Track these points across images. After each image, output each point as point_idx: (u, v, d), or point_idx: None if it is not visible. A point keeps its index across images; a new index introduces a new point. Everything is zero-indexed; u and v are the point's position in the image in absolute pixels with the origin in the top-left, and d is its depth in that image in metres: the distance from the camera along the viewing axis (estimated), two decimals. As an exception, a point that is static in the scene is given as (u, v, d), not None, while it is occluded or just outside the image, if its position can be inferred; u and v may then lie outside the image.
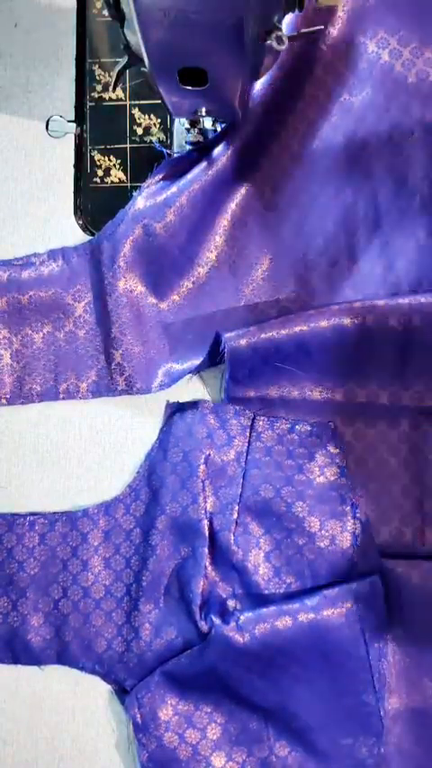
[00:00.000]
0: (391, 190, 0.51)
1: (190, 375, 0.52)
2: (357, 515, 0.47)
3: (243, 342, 0.47)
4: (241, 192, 0.52)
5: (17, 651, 0.50)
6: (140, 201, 0.51)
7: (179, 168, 0.52)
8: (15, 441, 0.53)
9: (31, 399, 0.53)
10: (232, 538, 0.48)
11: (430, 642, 0.47)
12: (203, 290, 0.53)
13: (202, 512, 0.48)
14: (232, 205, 0.52)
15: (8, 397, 0.53)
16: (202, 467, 0.49)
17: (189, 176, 0.51)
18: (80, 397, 0.52)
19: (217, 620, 0.46)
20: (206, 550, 0.48)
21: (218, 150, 0.51)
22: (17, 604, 0.50)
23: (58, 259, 0.53)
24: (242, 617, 0.46)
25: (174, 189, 0.51)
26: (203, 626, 0.46)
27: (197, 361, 0.50)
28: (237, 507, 0.48)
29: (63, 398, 0.53)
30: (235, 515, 0.48)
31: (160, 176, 0.52)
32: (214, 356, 0.50)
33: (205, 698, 0.47)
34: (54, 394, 0.53)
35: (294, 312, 0.51)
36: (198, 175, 0.50)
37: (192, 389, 0.53)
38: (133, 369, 0.51)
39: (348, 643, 0.45)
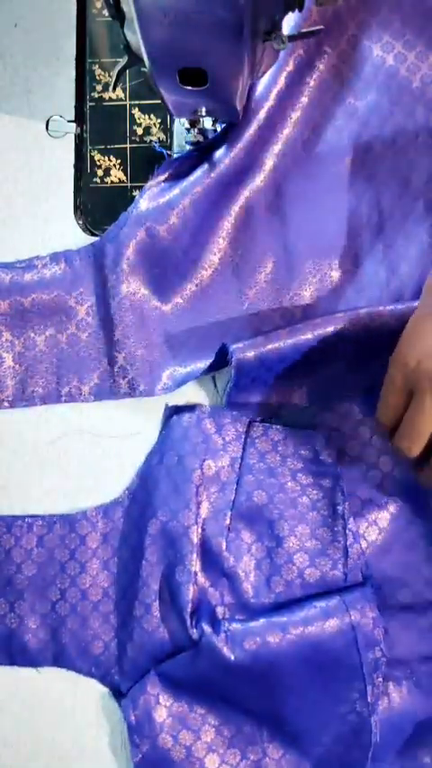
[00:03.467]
0: (395, 193, 0.51)
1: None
2: (349, 526, 0.47)
3: (250, 354, 0.46)
4: (244, 194, 0.52)
5: (14, 652, 0.50)
6: (143, 204, 0.51)
7: (181, 169, 0.52)
8: (15, 441, 0.53)
9: (34, 402, 0.53)
10: (224, 544, 0.48)
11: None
12: (207, 293, 0.52)
13: (194, 517, 0.48)
14: (235, 208, 0.52)
15: (10, 399, 0.53)
16: (198, 472, 0.48)
17: (191, 178, 0.51)
18: (82, 400, 0.52)
19: (207, 629, 0.46)
20: (195, 557, 0.47)
21: (220, 152, 0.51)
22: (14, 606, 0.50)
23: (60, 262, 0.53)
24: (231, 626, 0.45)
25: (176, 191, 0.51)
26: (194, 633, 0.46)
27: (201, 365, 0.50)
28: (230, 513, 0.48)
29: (65, 401, 0.52)
30: (227, 521, 0.48)
31: (162, 178, 0.52)
32: (220, 364, 0.50)
33: (199, 700, 0.47)
34: (56, 397, 0.52)
35: (297, 315, 0.51)
36: (201, 178, 0.50)
37: (192, 391, 0.53)
38: (136, 371, 0.51)
39: (341, 652, 0.44)
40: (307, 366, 0.48)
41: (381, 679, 0.45)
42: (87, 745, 0.50)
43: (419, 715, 0.46)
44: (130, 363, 0.51)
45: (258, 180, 0.52)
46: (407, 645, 0.47)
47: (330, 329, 0.46)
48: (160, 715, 0.47)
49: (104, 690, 0.50)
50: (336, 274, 0.51)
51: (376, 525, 0.48)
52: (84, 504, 0.52)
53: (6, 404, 0.53)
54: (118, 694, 0.49)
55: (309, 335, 0.46)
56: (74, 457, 0.53)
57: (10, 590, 0.50)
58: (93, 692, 0.50)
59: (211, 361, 0.50)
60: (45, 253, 0.54)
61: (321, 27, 0.43)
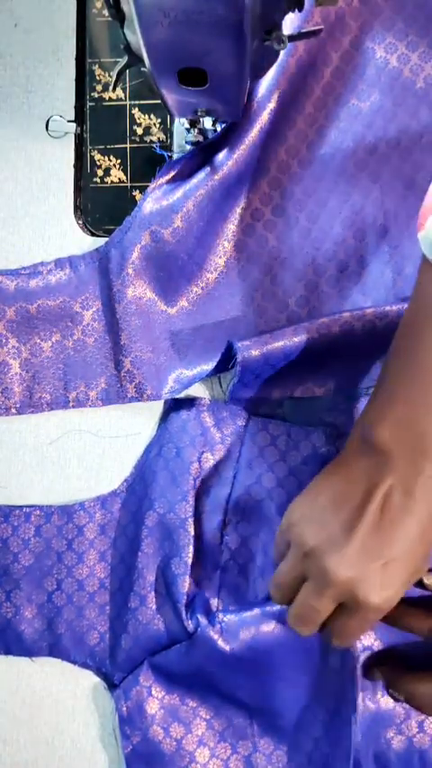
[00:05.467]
0: (400, 194, 0.51)
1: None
2: None
3: (256, 352, 0.46)
4: (248, 196, 0.52)
5: (9, 642, 0.50)
6: (146, 207, 0.51)
7: (183, 171, 0.52)
8: (15, 440, 0.53)
9: (41, 408, 0.52)
10: (220, 537, 0.48)
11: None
12: (212, 296, 0.52)
13: (191, 510, 0.48)
14: (240, 210, 0.52)
15: (18, 406, 0.53)
16: (195, 465, 0.49)
17: (194, 181, 0.51)
18: (90, 405, 0.52)
19: (203, 620, 0.46)
20: (191, 549, 0.47)
21: (222, 155, 0.50)
22: (11, 595, 0.50)
23: (65, 267, 0.53)
24: (225, 618, 0.45)
25: (179, 194, 0.51)
26: (189, 625, 0.46)
27: (207, 367, 0.50)
28: (226, 506, 0.48)
29: (73, 407, 0.52)
30: (224, 515, 0.48)
31: (164, 180, 0.52)
32: (226, 363, 0.50)
33: (191, 692, 0.47)
34: (64, 402, 0.52)
35: (303, 317, 0.51)
36: (204, 180, 0.50)
37: (193, 387, 0.52)
38: (143, 376, 0.51)
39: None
40: (312, 364, 0.48)
41: (373, 671, 0.45)
42: (86, 744, 0.50)
43: (387, 720, 0.46)
44: (137, 367, 0.51)
45: (262, 182, 0.52)
46: (387, 640, 0.47)
47: (336, 329, 0.46)
48: (152, 707, 0.47)
49: (105, 691, 0.50)
50: (341, 276, 0.51)
51: None
52: (84, 504, 0.52)
53: (14, 410, 0.53)
54: (111, 686, 0.49)
55: (314, 334, 0.46)
56: (74, 457, 0.53)
57: (6, 579, 0.50)
58: (93, 692, 0.50)
59: (217, 362, 0.50)
60: (45, 253, 0.55)
61: (321, 27, 0.43)
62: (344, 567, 0.37)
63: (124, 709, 0.47)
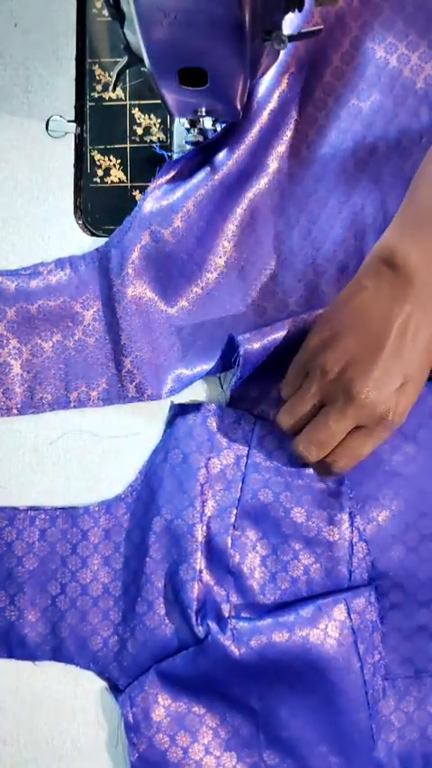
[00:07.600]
0: (400, 194, 0.50)
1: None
2: (355, 524, 0.47)
3: (257, 344, 0.46)
4: (248, 196, 0.52)
5: (12, 645, 0.50)
6: (146, 207, 0.51)
7: (182, 170, 0.52)
8: (15, 440, 0.53)
9: (43, 409, 0.52)
10: (229, 541, 0.48)
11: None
12: (212, 296, 0.52)
13: (198, 515, 0.48)
14: (240, 210, 0.52)
15: (19, 407, 0.53)
16: (203, 470, 0.48)
17: (194, 181, 0.51)
18: (91, 405, 0.52)
19: (214, 627, 0.46)
20: (200, 554, 0.47)
21: (222, 154, 0.50)
22: (14, 598, 0.50)
23: (65, 267, 0.53)
24: (237, 625, 0.45)
25: (179, 194, 0.51)
26: (200, 631, 0.46)
27: (207, 367, 0.50)
28: (235, 511, 0.48)
29: (74, 407, 0.52)
30: (233, 519, 0.48)
31: (164, 180, 0.52)
32: (226, 360, 0.50)
33: (198, 700, 0.47)
34: (65, 403, 0.52)
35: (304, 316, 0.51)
36: (203, 180, 0.50)
37: (197, 390, 0.53)
38: (143, 375, 0.51)
39: (343, 657, 0.44)
40: None
41: (381, 683, 0.45)
42: (87, 744, 0.50)
43: (393, 718, 0.46)
44: (137, 367, 0.51)
45: (262, 182, 0.52)
46: (389, 645, 0.47)
47: None
48: (158, 714, 0.47)
49: (104, 690, 0.50)
50: (342, 276, 0.51)
51: (376, 522, 0.48)
52: (84, 503, 0.52)
53: (15, 411, 0.53)
54: (116, 690, 0.49)
55: (313, 325, 0.46)
56: (74, 457, 0.53)
57: (10, 583, 0.50)
58: (93, 692, 0.50)
59: (218, 359, 0.50)
60: (45, 253, 0.55)
61: (321, 27, 0.43)
62: (370, 389, 0.40)
63: (130, 716, 0.47)
